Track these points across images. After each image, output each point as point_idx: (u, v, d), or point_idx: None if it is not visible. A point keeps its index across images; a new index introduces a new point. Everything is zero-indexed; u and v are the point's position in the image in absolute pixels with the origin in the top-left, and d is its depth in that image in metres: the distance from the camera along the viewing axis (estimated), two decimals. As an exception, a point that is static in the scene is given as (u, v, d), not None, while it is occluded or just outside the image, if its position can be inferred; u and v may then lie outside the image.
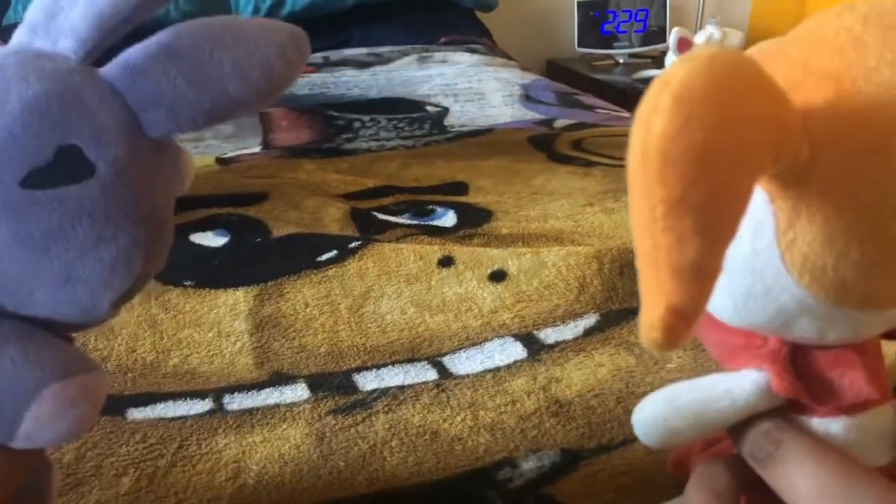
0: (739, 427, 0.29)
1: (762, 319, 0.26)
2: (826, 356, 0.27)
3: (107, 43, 0.27)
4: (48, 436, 0.24)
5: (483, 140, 1.06)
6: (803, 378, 0.28)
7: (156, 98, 0.26)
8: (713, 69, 0.20)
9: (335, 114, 1.18)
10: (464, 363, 0.51)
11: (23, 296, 0.25)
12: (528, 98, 1.29)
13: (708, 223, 0.20)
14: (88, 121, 0.25)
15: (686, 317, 0.20)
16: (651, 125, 0.21)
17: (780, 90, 0.22)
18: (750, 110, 0.21)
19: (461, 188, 0.86)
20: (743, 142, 0.21)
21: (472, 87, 1.34)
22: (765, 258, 0.25)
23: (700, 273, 0.20)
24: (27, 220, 0.24)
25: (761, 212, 0.24)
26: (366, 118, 1.15)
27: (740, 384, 0.28)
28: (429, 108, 1.23)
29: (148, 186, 0.26)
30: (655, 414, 0.29)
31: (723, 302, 0.27)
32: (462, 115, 1.19)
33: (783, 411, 0.28)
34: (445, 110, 1.22)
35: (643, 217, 0.21)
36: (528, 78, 1.45)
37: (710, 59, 0.20)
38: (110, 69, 0.26)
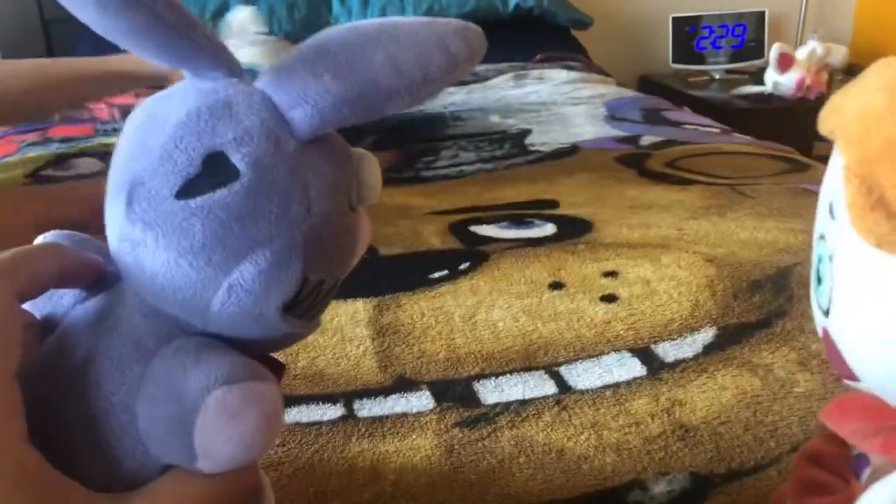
0: None
1: None
2: None
3: None
4: (223, 448, 0.24)
5: (567, 162, 1.06)
6: None
7: (301, 95, 0.26)
8: None
9: (420, 146, 1.19)
10: (581, 375, 0.51)
11: (201, 309, 0.26)
12: (612, 118, 1.29)
13: None
14: (233, 126, 0.25)
15: None
16: None
17: None
18: None
19: (552, 205, 0.86)
20: None
21: (555, 112, 1.33)
22: None
23: None
24: (186, 232, 0.25)
25: None
26: (447, 142, 1.17)
27: None
28: (511, 130, 1.23)
29: (298, 187, 0.26)
30: None
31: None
32: (544, 135, 1.19)
33: None
34: (528, 131, 1.22)
35: None
36: (615, 95, 1.44)
37: None
38: (264, 76, 0.27)
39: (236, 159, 0.25)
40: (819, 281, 0.25)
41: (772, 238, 0.71)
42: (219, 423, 0.24)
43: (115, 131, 1.29)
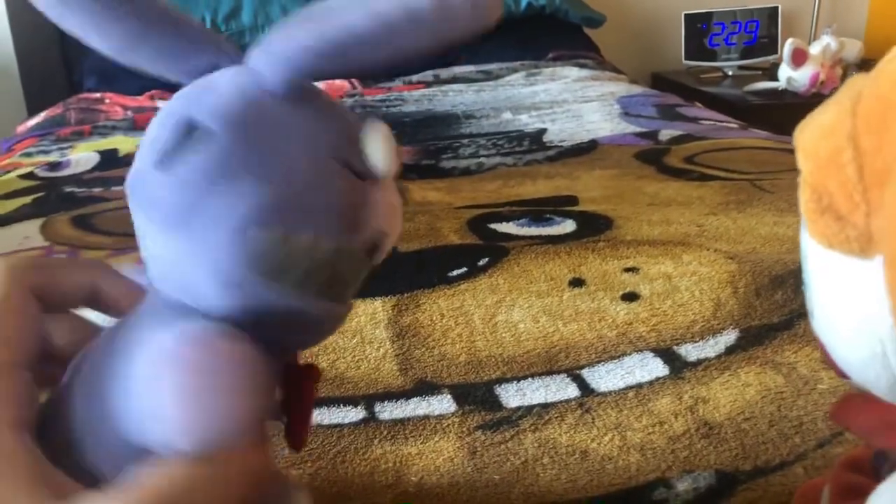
0: None
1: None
2: None
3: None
4: (176, 409, 0.22)
5: (586, 158, 1.06)
6: None
7: (271, 50, 0.25)
8: None
9: (438, 143, 1.19)
10: (604, 377, 0.51)
11: (195, 285, 0.25)
12: (626, 115, 1.28)
13: None
14: (209, 95, 0.25)
15: None
16: None
17: None
18: None
19: (570, 201, 0.86)
20: None
21: (570, 111, 1.33)
22: None
23: None
24: (168, 203, 0.24)
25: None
26: (464, 140, 1.17)
27: None
28: (527, 129, 1.23)
29: (275, 143, 0.25)
30: None
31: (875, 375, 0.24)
32: (561, 132, 1.19)
33: None
34: (543, 130, 1.22)
35: None
36: (629, 91, 1.44)
37: None
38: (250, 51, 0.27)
39: (209, 121, 0.24)
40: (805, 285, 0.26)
41: (792, 233, 0.70)
42: (158, 374, 0.22)
43: (115, 129, 1.30)
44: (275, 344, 0.26)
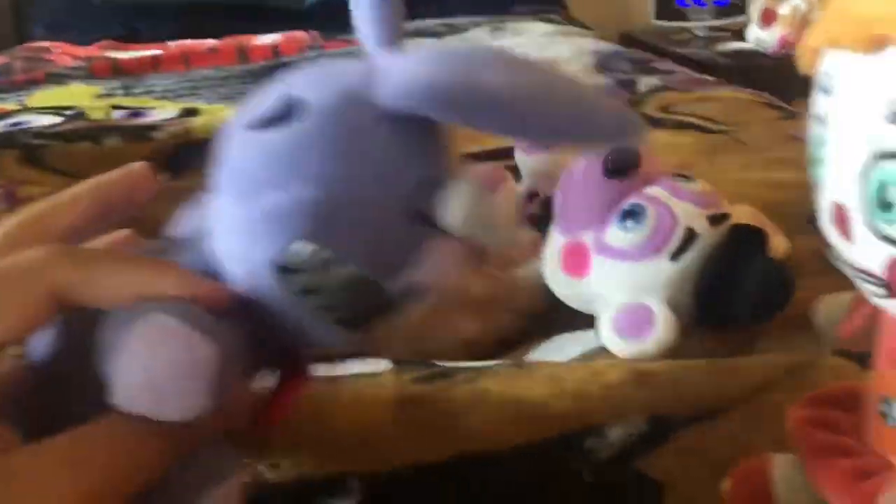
0: None
1: None
2: None
3: None
4: (124, 375, 0.23)
5: None
6: None
7: (393, 81, 0.25)
8: None
9: None
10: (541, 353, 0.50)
11: (224, 257, 0.26)
12: (603, 68, 1.26)
13: None
14: (322, 79, 0.26)
15: None
16: None
17: None
18: None
19: None
20: None
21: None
22: None
23: None
24: (241, 161, 0.25)
25: None
26: None
27: None
28: None
29: (343, 151, 0.25)
30: None
31: None
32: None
33: None
34: None
35: None
36: (597, 48, 1.41)
37: None
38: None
39: (309, 103, 0.25)
40: (887, 207, 0.22)
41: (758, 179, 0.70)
42: (126, 345, 0.23)
43: (70, 77, 1.25)
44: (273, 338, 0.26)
